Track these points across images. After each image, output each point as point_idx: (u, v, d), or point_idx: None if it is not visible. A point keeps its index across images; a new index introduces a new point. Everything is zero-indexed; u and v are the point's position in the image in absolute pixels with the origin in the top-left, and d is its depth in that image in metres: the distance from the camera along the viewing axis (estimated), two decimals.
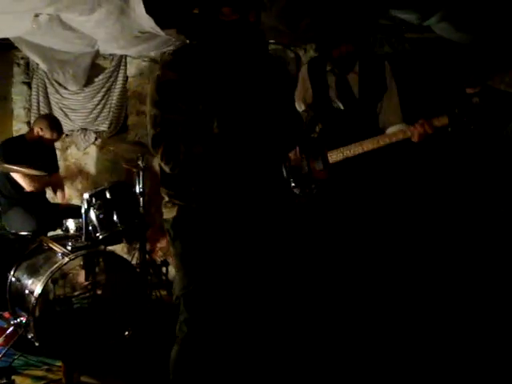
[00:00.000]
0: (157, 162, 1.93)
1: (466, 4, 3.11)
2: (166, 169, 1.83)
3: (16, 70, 4.79)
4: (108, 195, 3.07)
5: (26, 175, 3.51)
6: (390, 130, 2.76)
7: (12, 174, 3.54)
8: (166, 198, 1.92)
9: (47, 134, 3.73)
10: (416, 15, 3.23)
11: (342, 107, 2.88)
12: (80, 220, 3.10)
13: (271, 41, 4.01)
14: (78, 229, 3.16)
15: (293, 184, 2.70)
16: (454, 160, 3.15)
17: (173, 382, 1.94)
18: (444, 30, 3.45)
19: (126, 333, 2.92)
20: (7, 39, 3.84)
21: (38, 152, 3.72)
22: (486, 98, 2.95)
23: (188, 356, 1.91)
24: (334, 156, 2.73)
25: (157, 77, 1.81)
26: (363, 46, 2.88)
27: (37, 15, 3.16)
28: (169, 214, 1.91)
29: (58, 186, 4.01)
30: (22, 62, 4.76)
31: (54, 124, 3.82)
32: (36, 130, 3.74)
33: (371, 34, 3.12)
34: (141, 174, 3.58)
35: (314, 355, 2.56)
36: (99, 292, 3.06)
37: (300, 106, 3.00)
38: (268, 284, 1.96)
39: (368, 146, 2.65)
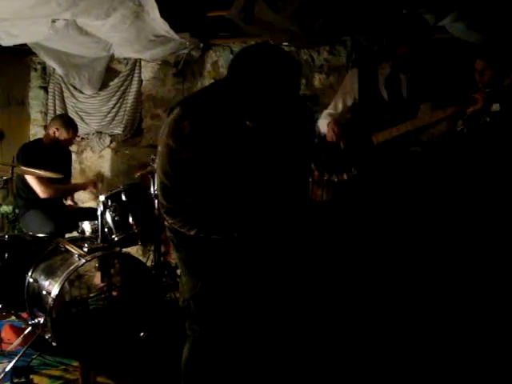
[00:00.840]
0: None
1: (480, 4, 3.09)
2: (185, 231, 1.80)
3: (33, 74, 4.88)
4: (123, 197, 3.11)
5: (41, 182, 3.55)
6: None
7: (28, 179, 3.59)
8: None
9: (63, 133, 3.77)
10: (431, 16, 3.21)
11: (386, 99, 2.94)
12: (96, 222, 3.13)
13: (285, 43, 4.11)
14: (94, 231, 3.19)
15: (329, 173, 2.90)
16: (469, 163, 3.13)
17: (185, 381, 1.96)
18: (458, 31, 3.42)
19: (141, 334, 2.93)
20: (25, 45, 3.90)
21: (55, 155, 3.77)
22: (501, 98, 2.94)
23: (198, 356, 1.93)
24: (381, 137, 2.85)
25: (169, 149, 1.67)
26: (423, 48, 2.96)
27: (54, 21, 3.22)
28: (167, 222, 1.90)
29: (70, 194, 4.06)
30: (38, 66, 4.84)
31: (69, 122, 3.86)
32: (52, 130, 3.79)
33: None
34: (155, 176, 3.60)
35: (323, 355, 2.55)
36: (115, 293, 3.08)
37: (333, 108, 3.08)
38: (275, 282, 1.96)
39: (421, 120, 2.78)
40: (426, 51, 3.04)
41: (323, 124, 3.11)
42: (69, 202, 4.05)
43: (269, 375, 2.07)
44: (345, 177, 2.92)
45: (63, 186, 3.79)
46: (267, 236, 1.85)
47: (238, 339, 1.98)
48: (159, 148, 1.73)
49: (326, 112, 3.18)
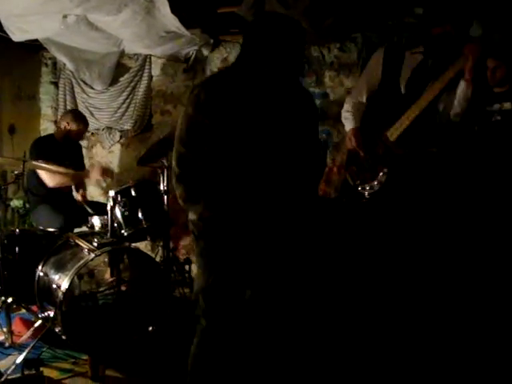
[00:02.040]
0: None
1: (495, 3, 3.06)
2: (181, 202, 1.89)
3: (44, 70, 4.90)
4: (133, 193, 3.12)
5: (49, 171, 3.58)
6: None
7: (37, 171, 3.61)
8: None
9: (74, 126, 3.81)
10: None
11: (403, 91, 2.81)
12: (105, 217, 3.15)
13: None
14: (104, 226, 3.21)
15: (360, 187, 2.86)
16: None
17: (191, 375, 1.99)
18: (472, 29, 3.39)
19: (150, 328, 2.96)
20: (36, 40, 3.92)
21: (66, 150, 3.80)
22: None
23: (204, 350, 1.96)
24: (395, 131, 2.75)
25: (188, 116, 1.83)
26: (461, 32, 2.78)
27: (65, 16, 3.24)
28: (192, 215, 1.95)
29: (80, 185, 4.06)
30: (49, 62, 4.87)
31: (79, 116, 3.92)
32: (63, 124, 3.83)
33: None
34: (165, 172, 3.61)
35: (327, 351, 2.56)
36: (123, 288, 3.11)
37: (358, 95, 2.99)
38: (285, 283, 1.99)
39: (421, 102, 2.66)
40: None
41: (348, 123, 3.04)
42: (78, 198, 4.07)
43: (272, 371, 2.09)
44: (375, 183, 2.84)
45: (71, 173, 3.76)
46: (269, 218, 1.88)
47: (244, 335, 2.00)
48: (179, 121, 1.87)
49: (349, 102, 3.06)
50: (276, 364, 2.10)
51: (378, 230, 2.86)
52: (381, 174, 2.82)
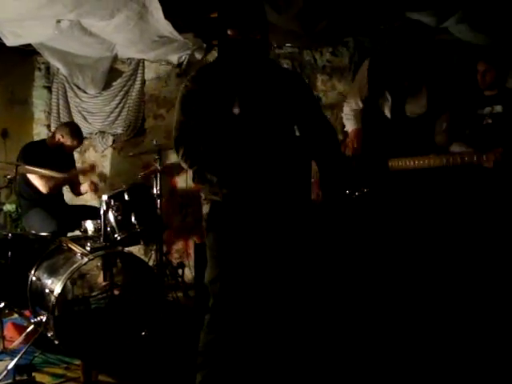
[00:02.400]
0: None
1: (484, 5, 3.09)
2: (185, 166, 2.00)
3: (37, 74, 4.90)
4: (126, 197, 3.12)
5: (41, 176, 3.57)
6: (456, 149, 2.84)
7: (29, 175, 3.60)
8: (203, 196, 2.03)
9: (68, 141, 3.81)
10: (433, 17, 3.22)
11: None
12: (98, 221, 3.14)
13: (288, 44, 4.12)
14: (97, 230, 3.21)
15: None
16: None
17: (200, 365, 2.04)
18: (462, 32, 3.43)
19: (143, 333, 2.95)
20: (29, 45, 3.92)
21: (57, 157, 3.79)
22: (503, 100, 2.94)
23: (213, 339, 2.02)
24: (396, 164, 2.87)
25: (182, 88, 2.03)
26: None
27: (59, 21, 3.24)
28: (204, 210, 2.03)
29: (74, 183, 4.04)
30: (42, 66, 4.87)
31: (76, 132, 3.89)
32: (58, 136, 3.82)
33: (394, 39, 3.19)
34: (158, 176, 3.62)
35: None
36: (116, 292, 3.10)
37: (354, 101, 3.10)
38: (290, 277, 2.05)
39: (428, 161, 2.76)
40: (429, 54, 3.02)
41: (349, 124, 3.13)
42: (86, 188, 4.02)
43: (278, 365, 2.12)
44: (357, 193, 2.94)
45: (63, 175, 3.75)
46: (271, 198, 1.94)
47: (250, 328, 2.07)
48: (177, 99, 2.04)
49: (348, 108, 3.17)
50: (281, 359, 2.13)
51: (367, 231, 2.93)
52: (364, 190, 2.93)
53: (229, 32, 1.91)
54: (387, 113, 3.00)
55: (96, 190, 4.01)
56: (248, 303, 2.02)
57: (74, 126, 4.02)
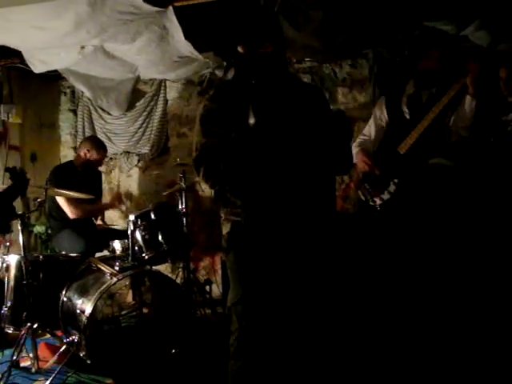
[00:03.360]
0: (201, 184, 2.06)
1: (504, 12, 3.06)
2: (207, 186, 2.02)
3: (63, 98, 5.04)
4: (153, 216, 3.16)
5: (70, 203, 3.65)
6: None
7: (58, 200, 3.69)
8: (223, 216, 2.04)
9: (94, 154, 3.90)
10: (452, 25, 3.20)
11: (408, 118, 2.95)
12: (126, 241, 3.19)
13: (307, 58, 4.14)
14: (124, 249, 3.25)
15: (371, 202, 2.98)
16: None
17: None
18: (482, 39, 3.40)
19: (173, 351, 2.96)
20: (55, 71, 4.04)
21: (85, 177, 3.88)
22: None
23: (242, 365, 1.95)
24: (404, 145, 2.85)
25: (202, 107, 2.03)
26: (447, 66, 2.93)
27: (83, 47, 3.33)
28: (224, 230, 2.03)
29: (98, 214, 4.15)
30: (68, 90, 5.00)
31: (98, 143, 4.00)
32: (83, 152, 3.91)
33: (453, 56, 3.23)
34: (183, 194, 3.66)
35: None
36: (145, 311, 3.13)
37: (368, 132, 3.16)
38: (312, 295, 2.00)
39: (426, 121, 2.76)
40: (452, 63, 3.01)
41: (355, 150, 3.16)
42: (98, 222, 4.14)
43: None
44: (386, 194, 2.93)
45: (91, 206, 3.86)
46: (292, 217, 1.92)
47: (278, 347, 2.00)
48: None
49: (358, 140, 3.23)
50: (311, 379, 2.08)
51: (389, 240, 2.89)
52: (391, 183, 2.91)
53: (239, 49, 1.90)
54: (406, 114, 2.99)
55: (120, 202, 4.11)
56: (274, 325, 1.96)
57: (95, 138, 4.16)
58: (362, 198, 3.11)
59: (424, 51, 2.95)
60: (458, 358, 2.57)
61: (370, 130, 3.17)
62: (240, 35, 1.91)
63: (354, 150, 3.15)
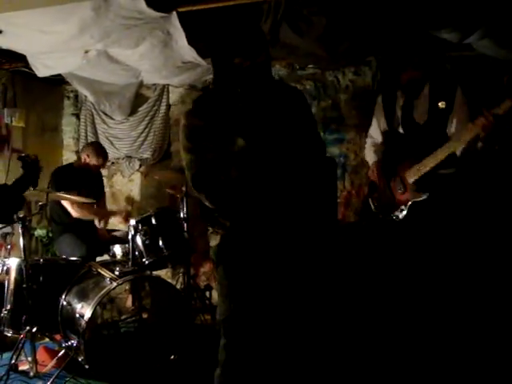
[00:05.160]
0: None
1: (507, 20, 3.06)
2: (208, 204, 1.91)
3: (66, 102, 5.05)
4: (154, 221, 3.15)
5: (74, 202, 3.66)
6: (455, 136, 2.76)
7: (62, 201, 3.70)
8: (210, 229, 1.99)
9: (93, 160, 3.91)
10: (456, 34, 3.20)
11: (402, 131, 2.93)
12: (126, 245, 3.19)
13: (310, 65, 4.14)
14: (125, 254, 3.25)
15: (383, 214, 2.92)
16: None
17: None
18: (486, 48, 3.39)
19: (172, 357, 2.95)
20: (59, 75, 4.06)
21: (85, 178, 3.89)
22: None
23: (228, 380, 1.93)
24: (413, 174, 2.80)
25: (184, 126, 1.94)
26: (432, 70, 2.90)
27: (86, 51, 3.35)
28: (213, 242, 1.98)
29: (103, 218, 4.14)
30: (71, 94, 5.02)
31: (100, 150, 4.01)
32: (83, 157, 3.94)
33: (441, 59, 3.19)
34: (184, 199, 3.66)
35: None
36: (145, 316, 3.12)
37: (375, 134, 3.13)
38: (305, 312, 1.96)
39: (442, 153, 2.68)
40: (440, 73, 2.98)
41: (370, 157, 3.17)
42: (101, 226, 4.14)
43: None
44: (394, 216, 2.89)
45: (96, 209, 3.88)
46: (282, 228, 1.87)
47: (266, 364, 1.96)
48: (180, 139, 1.97)
49: (369, 142, 3.22)
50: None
51: (394, 249, 2.88)
52: (401, 207, 2.87)
53: (236, 60, 1.85)
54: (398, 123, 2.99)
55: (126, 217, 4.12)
56: (264, 341, 1.92)
57: (97, 145, 4.15)
58: (373, 208, 3.08)
59: (401, 65, 2.91)
60: (459, 359, 2.57)
61: (376, 132, 3.14)
62: (239, 47, 1.86)
63: (369, 153, 3.16)
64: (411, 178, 2.82)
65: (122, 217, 4.09)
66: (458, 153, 2.73)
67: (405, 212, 2.83)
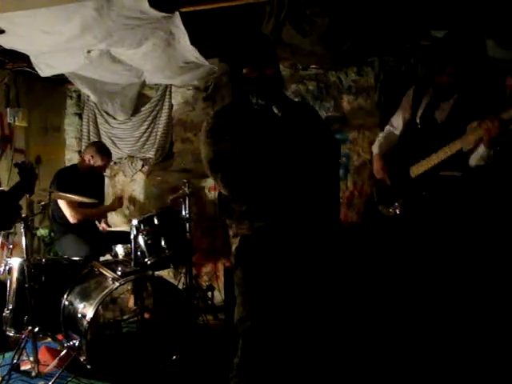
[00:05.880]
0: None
1: (509, 20, 3.06)
2: (223, 187, 1.97)
3: (68, 102, 5.06)
4: (156, 221, 3.15)
5: (71, 207, 3.65)
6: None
7: (60, 204, 3.69)
8: (231, 233, 2.03)
9: (98, 161, 3.89)
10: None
11: (419, 126, 2.92)
12: (129, 245, 3.18)
13: (312, 66, 4.14)
14: (127, 254, 3.25)
15: (382, 206, 2.94)
16: None
17: None
18: (488, 48, 3.39)
19: (174, 357, 2.94)
20: (61, 74, 4.06)
21: (89, 181, 3.87)
22: None
23: (244, 380, 1.94)
24: (416, 170, 2.82)
25: (207, 123, 2.04)
26: (466, 80, 2.88)
27: (89, 51, 3.35)
28: (233, 246, 2.01)
29: (100, 218, 4.14)
30: (74, 94, 5.02)
31: (103, 149, 3.98)
32: (87, 158, 3.91)
33: (476, 69, 3.18)
34: (187, 199, 3.65)
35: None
36: (147, 316, 3.12)
37: (396, 123, 3.09)
38: (321, 315, 1.98)
39: (445, 152, 2.69)
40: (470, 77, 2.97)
41: (375, 147, 3.15)
42: (102, 225, 4.15)
43: None
44: (396, 210, 2.90)
45: (92, 209, 3.83)
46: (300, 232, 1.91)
47: (283, 367, 1.97)
48: (201, 140, 2.05)
49: (385, 129, 3.18)
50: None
51: (396, 249, 2.87)
52: (396, 204, 2.89)
53: (244, 71, 1.92)
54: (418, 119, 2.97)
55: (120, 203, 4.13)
56: (281, 344, 1.94)
57: (99, 144, 4.12)
58: (375, 197, 3.09)
59: (439, 66, 2.90)
60: (458, 358, 2.57)
61: (398, 121, 3.10)
62: (247, 57, 1.93)
63: (376, 143, 3.14)
64: (415, 172, 2.84)
65: (116, 205, 4.07)
66: (465, 152, 2.72)
67: (397, 211, 2.85)
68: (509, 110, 2.51)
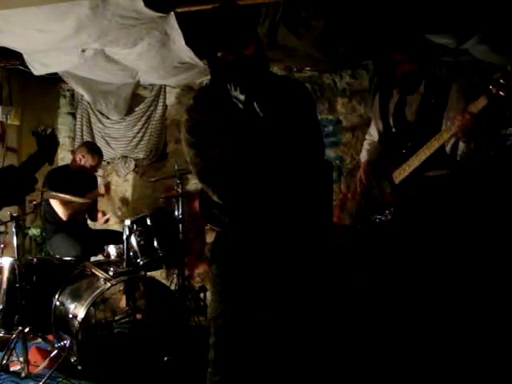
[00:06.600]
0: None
1: (504, 26, 3.08)
2: (216, 198, 1.84)
3: (62, 101, 5.03)
4: (149, 222, 3.15)
5: (62, 205, 3.63)
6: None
7: (51, 202, 3.67)
8: (208, 226, 1.98)
9: (89, 160, 3.88)
10: (453, 39, 3.21)
11: (393, 129, 2.93)
12: (121, 246, 3.17)
13: (307, 68, 4.14)
14: (119, 254, 3.24)
15: (372, 214, 2.92)
16: None
17: None
18: (482, 53, 3.41)
19: (166, 358, 2.93)
20: (55, 73, 4.04)
21: (80, 180, 3.86)
22: None
23: (219, 380, 1.94)
24: (399, 175, 2.80)
25: (186, 121, 1.89)
26: (427, 66, 2.88)
27: (83, 50, 3.33)
28: (208, 238, 1.97)
29: (93, 211, 4.11)
30: (67, 93, 5.00)
31: (94, 149, 3.97)
32: (78, 157, 3.90)
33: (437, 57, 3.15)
34: (180, 200, 3.64)
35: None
36: (139, 317, 3.11)
37: (372, 132, 3.13)
38: (297, 313, 1.96)
39: (424, 153, 2.67)
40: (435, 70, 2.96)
41: (363, 155, 3.18)
42: (104, 217, 4.13)
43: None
44: (383, 218, 2.90)
45: (79, 203, 3.73)
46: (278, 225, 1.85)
47: (255, 364, 1.97)
48: (181, 134, 1.94)
49: (366, 140, 3.22)
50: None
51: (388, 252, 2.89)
52: (387, 211, 2.88)
53: (219, 54, 1.75)
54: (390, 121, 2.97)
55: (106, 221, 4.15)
56: (253, 342, 1.93)
57: (91, 144, 4.12)
58: (365, 210, 3.08)
59: (392, 60, 2.89)
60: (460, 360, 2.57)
61: (373, 130, 3.14)
62: (220, 39, 1.75)
63: (363, 152, 3.17)
64: (397, 178, 2.81)
65: (98, 193, 4.04)
66: (448, 152, 2.72)
67: (389, 217, 2.84)
68: (475, 102, 2.50)
